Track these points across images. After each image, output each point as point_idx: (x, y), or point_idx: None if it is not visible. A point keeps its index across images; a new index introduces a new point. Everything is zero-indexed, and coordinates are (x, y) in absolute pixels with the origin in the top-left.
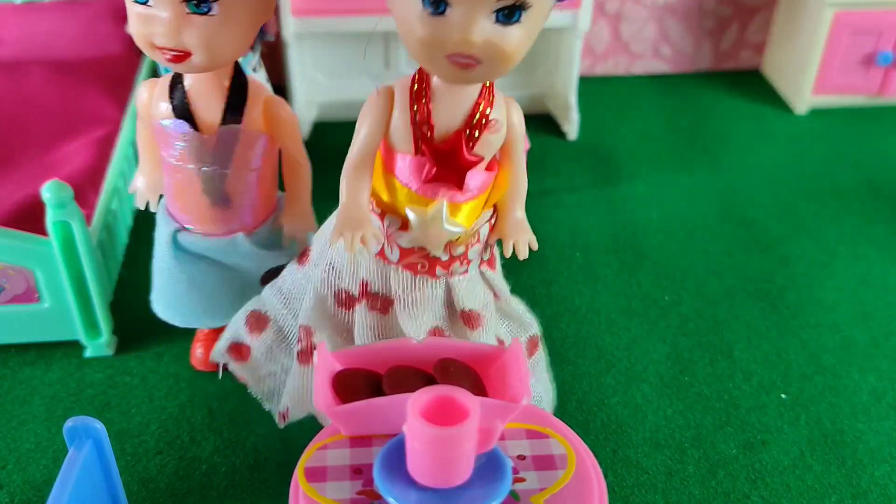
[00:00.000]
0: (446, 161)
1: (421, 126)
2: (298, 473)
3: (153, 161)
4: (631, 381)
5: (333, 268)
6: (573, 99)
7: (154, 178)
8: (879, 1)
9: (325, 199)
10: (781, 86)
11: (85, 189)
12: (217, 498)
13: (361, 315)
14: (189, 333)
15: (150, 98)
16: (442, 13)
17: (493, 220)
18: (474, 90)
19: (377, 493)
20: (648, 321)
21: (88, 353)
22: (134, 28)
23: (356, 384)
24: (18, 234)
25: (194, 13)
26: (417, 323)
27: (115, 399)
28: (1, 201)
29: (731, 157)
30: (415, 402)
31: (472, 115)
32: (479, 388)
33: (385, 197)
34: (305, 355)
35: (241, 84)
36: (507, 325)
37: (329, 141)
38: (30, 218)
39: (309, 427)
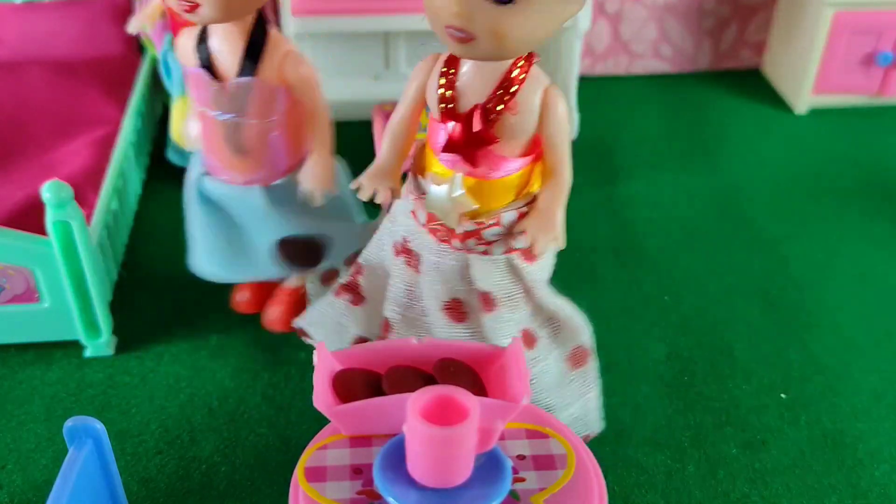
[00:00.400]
0: (464, 133)
1: (445, 94)
2: (298, 473)
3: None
4: (631, 381)
5: (393, 218)
6: (573, 99)
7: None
8: (879, 1)
9: None
10: (781, 85)
11: (85, 189)
12: (217, 498)
13: (399, 268)
14: (188, 334)
15: (184, 43)
16: None
17: (525, 210)
18: (502, 66)
19: (377, 493)
20: (648, 321)
21: (88, 353)
22: None
23: (356, 384)
24: (18, 234)
25: None
26: (437, 290)
27: (115, 399)
28: (1, 201)
29: (730, 156)
30: (415, 402)
31: (494, 93)
32: (479, 388)
33: (422, 163)
34: (343, 289)
35: (260, 37)
36: (548, 328)
37: None
38: (30, 218)
39: (309, 427)
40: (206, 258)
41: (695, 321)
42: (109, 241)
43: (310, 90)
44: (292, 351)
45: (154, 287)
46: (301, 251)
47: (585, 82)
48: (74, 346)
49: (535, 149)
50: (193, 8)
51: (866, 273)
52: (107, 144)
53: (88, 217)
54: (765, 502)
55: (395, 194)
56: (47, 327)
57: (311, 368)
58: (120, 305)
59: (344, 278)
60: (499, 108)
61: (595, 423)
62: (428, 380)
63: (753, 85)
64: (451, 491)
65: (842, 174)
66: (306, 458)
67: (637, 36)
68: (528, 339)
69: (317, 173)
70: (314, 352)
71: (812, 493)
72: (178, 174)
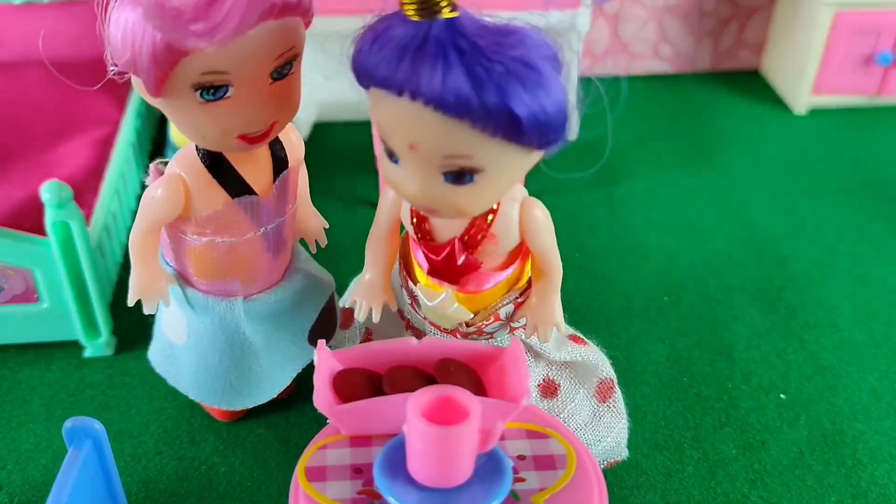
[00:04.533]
0: (444, 262)
1: (420, 226)
2: (298, 473)
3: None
4: (630, 382)
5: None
6: (573, 99)
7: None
8: (878, 1)
9: (323, 196)
10: (780, 86)
11: (84, 189)
12: (216, 498)
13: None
14: None
15: (187, 197)
16: (396, 163)
17: (521, 300)
18: None
19: (377, 492)
20: (648, 321)
21: (88, 354)
22: (212, 125)
23: (356, 384)
24: (18, 235)
25: (276, 81)
26: None
27: (115, 399)
28: (0, 201)
29: (730, 157)
30: (415, 402)
31: (471, 226)
32: (478, 388)
33: (411, 267)
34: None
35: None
36: (567, 371)
37: (327, 141)
38: (29, 218)
39: (309, 427)
40: (226, 392)
41: (694, 321)
42: (109, 242)
43: (301, 151)
44: None
45: None
46: (326, 318)
47: (585, 82)
48: (74, 347)
49: (520, 252)
50: (269, 131)
51: (865, 273)
52: (106, 145)
53: (88, 217)
54: (764, 503)
55: (389, 308)
56: (47, 328)
57: (311, 368)
58: (119, 306)
59: (358, 335)
60: (479, 237)
61: (622, 450)
62: (428, 380)
63: (753, 85)
64: (451, 491)
65: (841, 174)
66: (306, 458)
67: (636, 36)
68: (550, 389)
69: (312, 218)
70: (314, 352)
71: (811, 493)
72: None
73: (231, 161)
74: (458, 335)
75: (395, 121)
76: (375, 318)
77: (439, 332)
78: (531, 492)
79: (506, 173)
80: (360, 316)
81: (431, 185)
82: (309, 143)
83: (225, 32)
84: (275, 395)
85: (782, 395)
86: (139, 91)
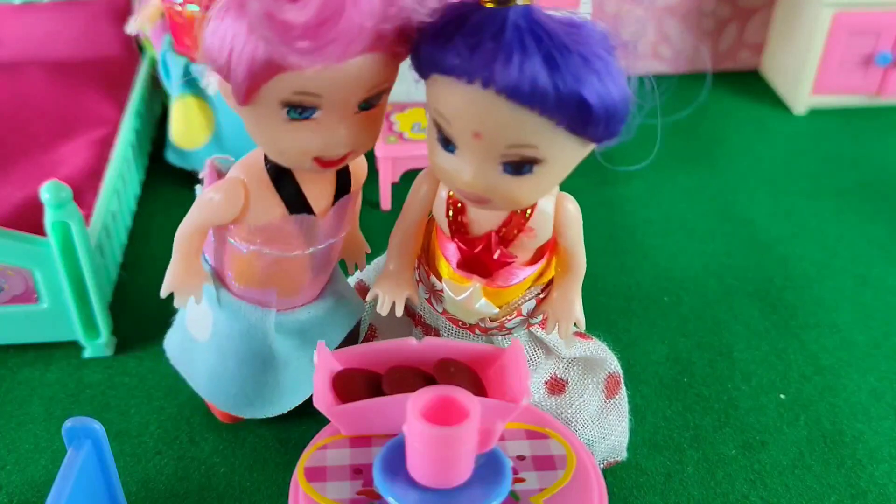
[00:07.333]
0: (479, 255)
1: (456, 218)
2: (298, 473)
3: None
4: (630, 382)
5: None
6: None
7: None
8: (878, 2)
9: None
10: (780, 86)
11: (84, 190)
12: (216, 498)
13: (417, 334)
14: None
15: (245, 203)
16: (452, 152)
17: (542, 295)
18: None
19: (377, 493)
20: (647, 322)
21: (87, 354)
22: (292, 143)
23: (356, 384)
24: (17, 235)
25: (362, 111)
26: None
27: (114, 399)
28: (0, 202)
29: (729, 157)
30: (415, 402)
31: (509, 220)
32: (478, 388)
33: (433, 259)
34: None
35: None
36: (575, 368)
37: None
38: (29, 218)
39: (309, 427)
40: (251, 400)
41: (694, 322)
42: (108, 242)
43: (364, 176)
44: None
45: (153, 287)
46: (351, 342)
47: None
48: (73, 347)
49: (549, 247)
50: (345, 158)
51: (865, 273)
52: (106, 145)
53: (87, 218)
54: (764, 503)
55: (411, 302)
56: (46, 328)
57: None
58: (119, 306)
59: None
60: (515, 231)
61: (622, 451)
62: (428, 380)
63: (752, 85)
64: (451, 491)
65: (840, 174)
66: (306, 458)
67: (636, 37)
68: (557, 387)
69: (357, 244)
70: (314, 352)
71: (811, 493)
72: (176, 175)
73: (297, 178)
74: (477, 331)
75: (461, 109)
76: (398, 312)
77: (455, 328)
78: (531, 492)
79: (562, 166)
80: (382, 310)
81: (489, 174)
82: None
83: (330, 55)
84: (284, 412)
85: (782, 396)
86: (224, 96)
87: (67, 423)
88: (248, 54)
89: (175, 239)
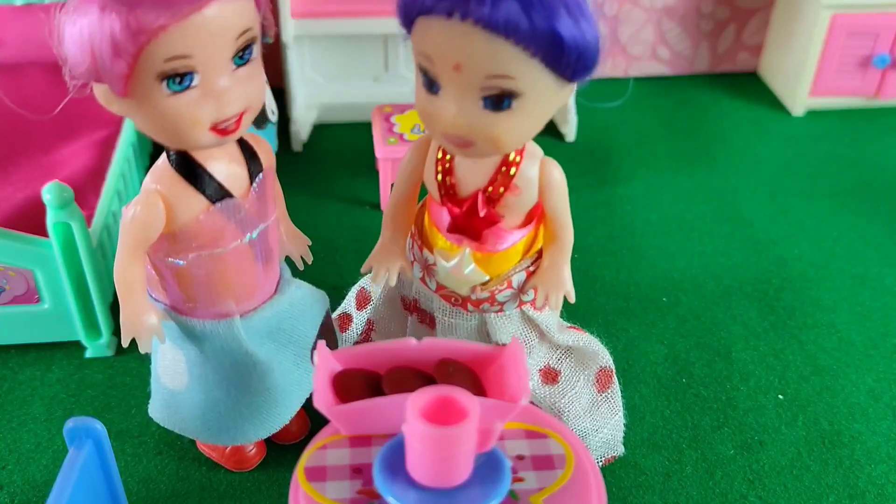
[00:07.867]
0: (467, 215)
1: (444, 179)
2: (298, 473)
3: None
4: (629, 382)
5: (400, 278)
6: (571, 101)
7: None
8: (876, 3)
9: (323, 197)
10: (778, 88)
11: (85, 190)
12: (217, 498)
13: (413, 324)
14: None
15: (167, 209)
16: (436, 93)
17: (532, 268)
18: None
19: (377, 492)
20: (646, 322)
21: (89, 354)
22: (182, 117)
23: (356, 384)
24: (19, 236)
25: (239, 67)
26: None
27: (116, 399)
28: (1, 202)
29: (728, 158)
30: (415, 402)
31: (495, 177)
32: (478, 388)
33: (426, 233)
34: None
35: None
36: (568, 359)
37: (328, 143)
38: (30, 219)
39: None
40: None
41: (692, 322)
42: (110, 243)
43: (272, 157)
44: None
45: None
46: (327, 335)
47: (584, 84)
48: (75, 347)
49: (537, 213)
50: (240, 120)
51: (863, 274)
52: (107, 146)
53: (89, 218)
54: (762, 503)
55: (404, 273)
56: (48, 328)
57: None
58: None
59: (356, 337)
60: (501, 190)
61: (618, 446)
62: (428, 380)
63: (751, 87)
64: (450, 491)
65: (839, 176)
66: (306, 458)
67: (635, 38)
68: (550, 376)
69: (295, 235)
70: (314, 352)
71: (809, 493)
72: None
73: (203, 164)
74: (469, 306)
75: (442, 43)
76: (392, 283)
77: (449, 307)
78: (530, 492)
79: (540, 104)
80: (376, 279)
81: (470, 110)
82: (309, 145)
83: (181, 3)
84: (287, 421)
85: (780, 396)
86: (105, 102)
87: (69, 423)
88: (107, 36)
89: (115, 280)
